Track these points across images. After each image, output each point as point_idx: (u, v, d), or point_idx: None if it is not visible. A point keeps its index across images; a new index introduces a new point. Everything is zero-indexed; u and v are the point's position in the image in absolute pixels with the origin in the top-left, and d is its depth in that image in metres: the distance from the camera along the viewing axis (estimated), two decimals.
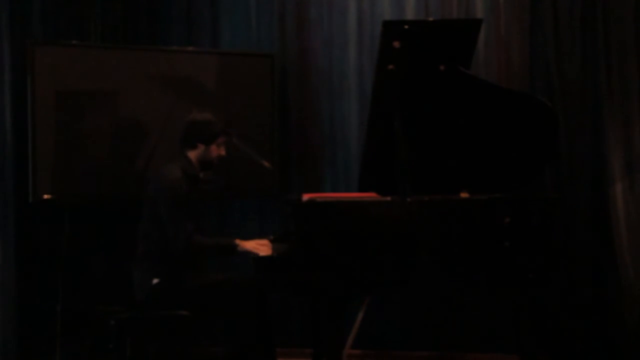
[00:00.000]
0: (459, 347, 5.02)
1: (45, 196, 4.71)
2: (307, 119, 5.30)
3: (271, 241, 4.24)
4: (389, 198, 4.03)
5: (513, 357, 4.61)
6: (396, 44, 4.05)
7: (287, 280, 4.05)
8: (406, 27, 4.11)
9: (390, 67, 4.09)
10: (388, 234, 3.89)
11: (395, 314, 5.10)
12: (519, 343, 4.40)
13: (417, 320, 5.07)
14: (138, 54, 5.00)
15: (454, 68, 4.22)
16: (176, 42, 5.29)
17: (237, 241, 4.17)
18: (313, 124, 5.29)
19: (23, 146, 4.76)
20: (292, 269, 3.93)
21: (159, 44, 5.28)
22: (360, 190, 4.39)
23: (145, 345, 4.15)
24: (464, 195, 4.19)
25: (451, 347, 5.03)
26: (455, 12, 5.05)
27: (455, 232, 3.98)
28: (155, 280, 4.10)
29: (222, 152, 4.31)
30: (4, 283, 4.79)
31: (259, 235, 4.29)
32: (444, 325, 5.01)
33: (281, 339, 4.61)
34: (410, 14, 5.10)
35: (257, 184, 5.11)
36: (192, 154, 4.26)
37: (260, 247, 4.14)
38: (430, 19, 5.02)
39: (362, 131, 4.74)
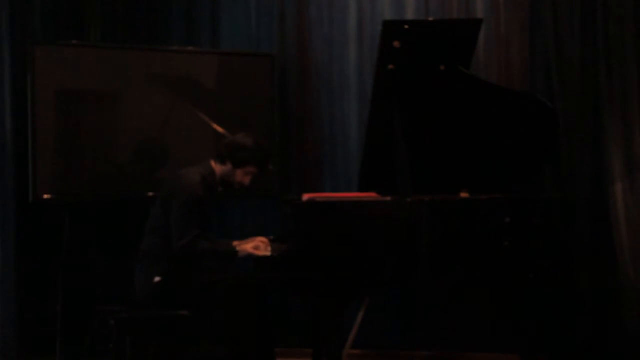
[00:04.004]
0: (459, 347, 5.02)
1: (45, 196, 4.70)
2: (307, 119, 5.30)
3: (271, 241, 4.24)
4: (389, 198, 4.03)
5: (513, 357, 4.61)
6: (396, 44, 4.06)
7: (287, 280, 4.05)
8: (406, 27, 4.12)
9: (390, 67, 4.09)
10: (388, 234, 3.89)
11: (395, 314, 5.10)
12: (519, 343, 4.40)
13: (417, 320, 5.07)
14: (138, 54, 4.99)
15: (454, 68, 4.22)
16: (176, 42, 5.29)
17: (238, 247, 4.17)
18: (313, 123, 5.29)
19: (23, 146, 4.76)
20: (292, 269, 3.93)
21: (159, 44, 5.27)
22: (360, 190, 4.40)
23: (145, 345, 4.15)
24: (464, 195, 4.19)
25: (451, 347, 5.03)
26: (455, 12, 5.05)
27: (455, 232, 3.98)
28: (157, 279, 4.10)
29: (246, 181, 4.26)
30: (4, 283, 4.80)
31: (259, 236, 4.29)
32: (444, 325, 5.00)
33: (281, 339, 4.61)
34: (410, 14, 5.10)
35: (257, 184, 5.10)
36: (218, 168, 4.25)
37: (258, 249, 4.14)
38: (430, 19, 5.02)
39: (362, 131, 4.74)
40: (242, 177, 4.25)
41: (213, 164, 4.27)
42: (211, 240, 4.26)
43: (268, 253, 4.13)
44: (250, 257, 4.16)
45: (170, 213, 4.11)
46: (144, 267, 4.17)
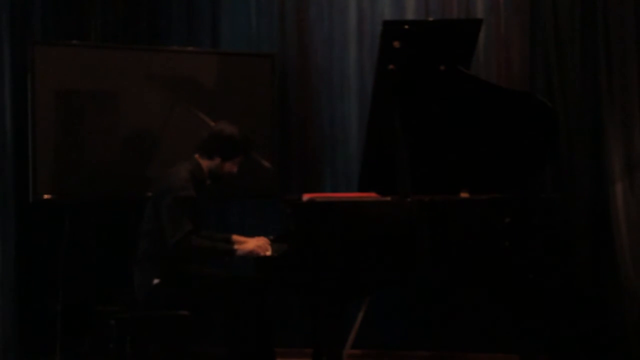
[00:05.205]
0: (459, 347, 5.02)
1: (45, 196, 4.71)
2: (307, 119, 5.30)
3: (271, 241, 4.24)
4: (389, 198, 4.03)
5: (513, 357, 4.61)
6: (396, 44, 4.06)
7: (287, 280, 4.04)
8: (406, 27, 4.12)
9: (391, 67, 4.09)
10: (388, 234, 3.89)
11: (395, 314, 5.10)
12: (519, 343, 4.40)
13: (417, 320, 5.07)
14: (138, 54, 4.99)
15: (454, 68, 4.22)
16: (176, 42, 5.29)
17: (236, 246, 4.16)
18: (313, 124, 5.29)
19: (23, 146, 4.76)
20: (292, 269, 3.93)
21: (159, 44, 5.27)
22: (360, 190, 4.40)
23: (145, 345, 4.15)
24: (464, 195, 4.19)
25: (451, 347, 5.03)
26: (455, 12, 5.05)
27: (455, 232, 3.99)
28: (155, 281, 4.10)
29: (234, 169, 4.27)
30: (4, 282, 4.80)
31: (259, 235, 4.29)
32: (444, 325, 5.01)
33: (281, 339, 4.61)
34: (410, 14, 5.10)
35: (257, 184, 5.11)
36: (205, 163, 4.24)
37: (260, 248, 4.13)
38: (430, 19, 5.02)
39: (362, 131, 4.74)
40: (231, 167, 4.25)
41: (198, 158, 4.25)
42: (208, 236, 4.24)
43: (268, 253, 4.13)
44: (249, 256, 4.15)
45: (161, 214, 4.09)
46: (142, 269, 4.16)
